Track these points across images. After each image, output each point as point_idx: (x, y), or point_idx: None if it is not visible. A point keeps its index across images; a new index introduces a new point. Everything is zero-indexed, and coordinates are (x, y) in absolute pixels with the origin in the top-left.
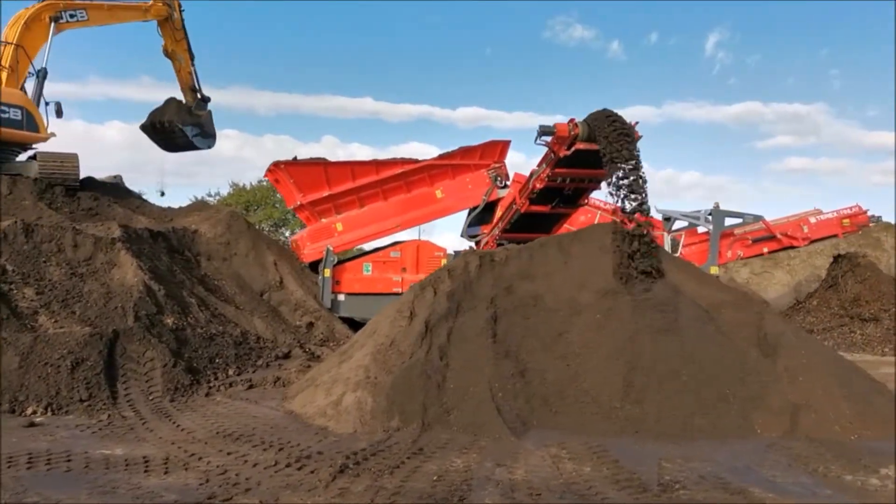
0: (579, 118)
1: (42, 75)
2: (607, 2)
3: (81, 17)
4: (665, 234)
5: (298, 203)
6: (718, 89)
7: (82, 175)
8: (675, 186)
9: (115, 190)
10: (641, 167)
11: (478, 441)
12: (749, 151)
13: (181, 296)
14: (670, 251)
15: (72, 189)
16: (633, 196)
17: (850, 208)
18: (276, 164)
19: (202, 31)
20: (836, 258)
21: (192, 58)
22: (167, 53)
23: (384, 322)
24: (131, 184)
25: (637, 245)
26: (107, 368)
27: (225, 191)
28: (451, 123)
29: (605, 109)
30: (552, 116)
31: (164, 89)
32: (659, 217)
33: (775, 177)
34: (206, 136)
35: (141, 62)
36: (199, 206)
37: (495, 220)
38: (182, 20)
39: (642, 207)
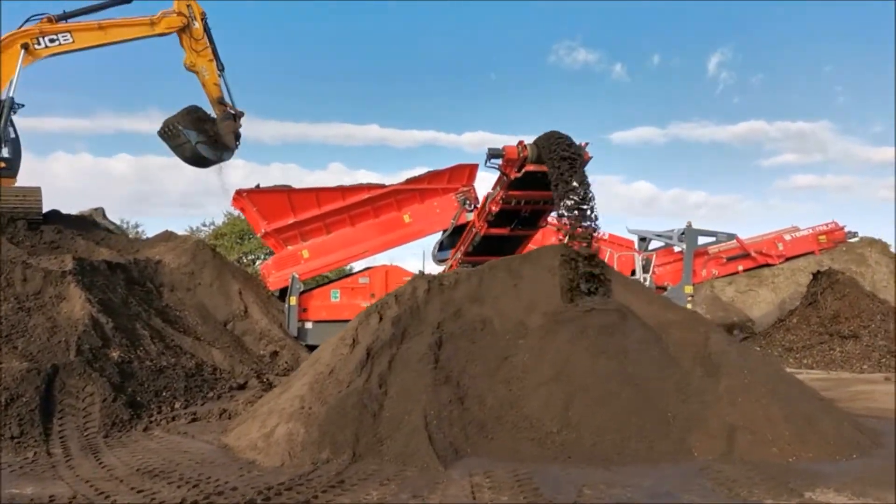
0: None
1: (8, 105)
2: (610, 25)
3: (65, 40)
4: (636, 254)
5: (264, 231)
6: (723, 109)
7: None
8: (684, 206)
9: (80, 223)
10: (589, 188)
11: (405, 471)
12: (755, 170)
13: (133, 328)
14: (642, 272)
15: (34, 223)
16: (581, 217)
17: (826, 224)
18: (239, 193)
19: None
20: (816, 275)
21: (221, 69)
22: (188, 67)
23: (327, 350)
24: (138, 215)
25: (585, 267)
26: (43, 404)
27: (220, 220)
28: (458, 148)
29: (553, 131)
30: None
31: None
32: (633, 238)
33: (782, 195)
34: (218, 147)
35: (150, 93)
36: (165, 236)
37: (458, 244)
38: (206, 29)
39: (590, 228)
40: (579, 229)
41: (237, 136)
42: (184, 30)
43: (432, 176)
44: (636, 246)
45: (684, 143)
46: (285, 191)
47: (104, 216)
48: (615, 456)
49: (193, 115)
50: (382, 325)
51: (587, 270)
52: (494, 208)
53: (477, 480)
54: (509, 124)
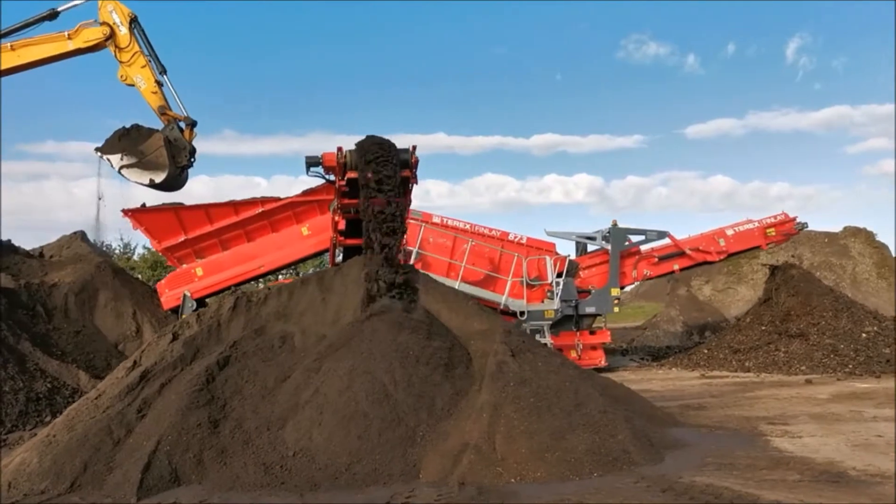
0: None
1: None
2: (681, 15)
3: None
4: (547, 257)
5: (158, 251)
6: (803, 95)
7: None
8: (765, 199)
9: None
10: (402, 196)
11: (100, 502)
12: (840, 157)
13: None
14: (563, 275)
15: None
16: (388, 225)
17: (775, 216)
18: (125, 212)
19: (280, 78)
20: (773, 270)
21: (161, 71)
22: (122, 80)
23: (110, 374)
24: None
25: (386, 277)
26: None
27: None
28: (526, 151)
29: (369, 136)
30: (629, 137)
31: (246, 142)
32: (551, 240)
33: (870, 182)
34: (147, 168)
35: (225, 115)
36: (74, 258)
37: (330, 257)
38: (134, 35)
39: (396, 237)
40: (387, 236)
41: (191, 151)
42: (109, 40)
43: (331, 187)
44: (575, 250)
45: (764, 134)
46: (172, 208)
47: (83, 239)
48: (331, 480)
49: (120, 135)
50: (173, 346)
51: (389, 280)
52: (338, 218)
53: None
54: (578, 124)
